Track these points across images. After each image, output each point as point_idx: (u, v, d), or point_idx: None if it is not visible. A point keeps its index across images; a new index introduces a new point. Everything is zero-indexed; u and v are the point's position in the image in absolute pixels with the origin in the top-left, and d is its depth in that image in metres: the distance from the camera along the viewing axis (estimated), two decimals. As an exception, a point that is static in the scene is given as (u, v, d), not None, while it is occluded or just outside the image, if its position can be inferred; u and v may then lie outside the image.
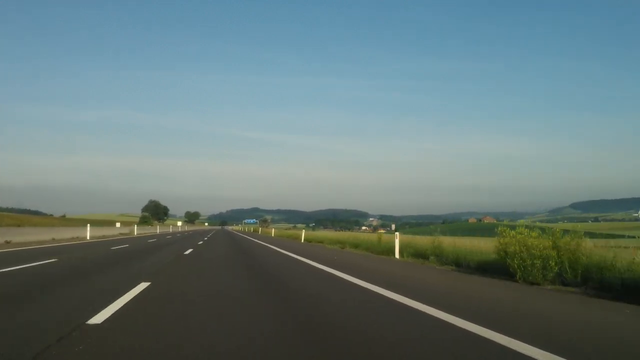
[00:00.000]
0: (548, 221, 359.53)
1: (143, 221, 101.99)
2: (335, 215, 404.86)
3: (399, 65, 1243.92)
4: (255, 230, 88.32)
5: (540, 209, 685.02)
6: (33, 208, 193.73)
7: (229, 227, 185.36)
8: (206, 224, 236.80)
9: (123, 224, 64.72)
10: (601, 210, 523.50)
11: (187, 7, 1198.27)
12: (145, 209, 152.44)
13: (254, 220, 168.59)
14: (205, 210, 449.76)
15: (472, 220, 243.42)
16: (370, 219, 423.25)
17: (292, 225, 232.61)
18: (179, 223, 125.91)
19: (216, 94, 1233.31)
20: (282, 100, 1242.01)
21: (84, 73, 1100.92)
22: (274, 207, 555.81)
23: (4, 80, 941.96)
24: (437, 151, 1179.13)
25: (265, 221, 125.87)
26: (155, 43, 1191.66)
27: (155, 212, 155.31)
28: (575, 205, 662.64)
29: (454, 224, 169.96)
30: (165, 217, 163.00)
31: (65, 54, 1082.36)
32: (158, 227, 69.63)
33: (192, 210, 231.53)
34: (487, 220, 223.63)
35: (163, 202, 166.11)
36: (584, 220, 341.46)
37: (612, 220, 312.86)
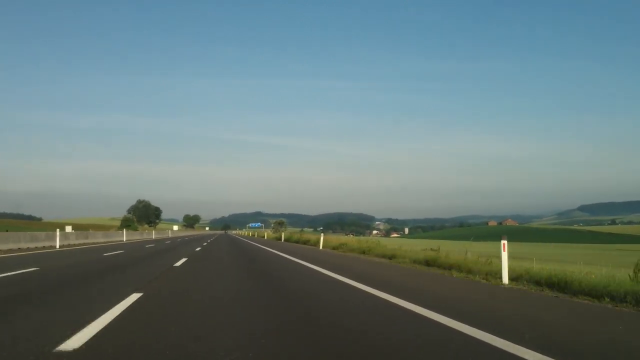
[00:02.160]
0: (561, 224, 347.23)
1: (125, 225, 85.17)
2: (341, 218, 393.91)
3: (401, 66, 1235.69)
4: (313, 241, 35.61)
5: (547, 212, 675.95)
6: (32, 214, 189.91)
7: (232, 232, 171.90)
8: (207, 228, 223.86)
9: (103, 227, 51.68)
10: (610, 213, 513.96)
11: (185, 11, 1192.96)
12: (132, 211, 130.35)
13: (259, 223, 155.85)
14: (207, 215, 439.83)
15: (492, 223, 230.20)
16: (377, 222, 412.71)
17: (300, 229, 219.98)
18: (175, 227, 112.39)
19: (217, 98, 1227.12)
20: (282, 102, 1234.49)
21: (82, 78, 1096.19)
22: (277, 211, 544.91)
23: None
24: (439, 153, 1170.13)
25: (280, 224, 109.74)
26: (154, 47, 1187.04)
27: (145, 214, 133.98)
28: (583, 208, 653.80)
29: (473, 228, 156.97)
30: (158, 220, 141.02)
31: (62, 60, 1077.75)
32: (152, 231, 55.06)
33: (192, 213, 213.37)
34: (509, 223, 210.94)
35: (163, 206, 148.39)
36: (601, 223, 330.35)
37: (630, 223, 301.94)
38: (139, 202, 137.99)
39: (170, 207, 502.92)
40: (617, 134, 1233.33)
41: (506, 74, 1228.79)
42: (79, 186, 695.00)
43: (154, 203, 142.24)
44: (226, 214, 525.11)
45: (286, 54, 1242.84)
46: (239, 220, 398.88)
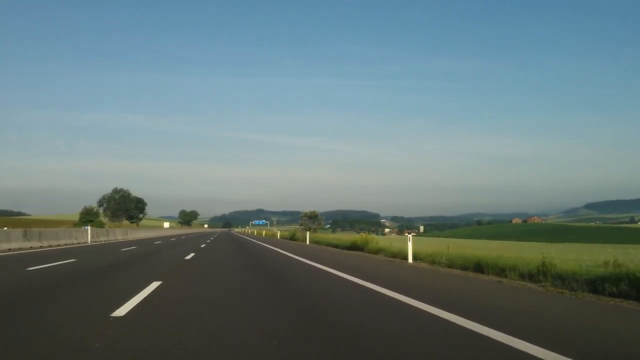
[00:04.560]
0: (569, 222, 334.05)
1: (87, 220, 62.60)
2: (345, 216, 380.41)
3: (402, 66, 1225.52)
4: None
5: (553, 210, 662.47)
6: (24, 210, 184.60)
7: (235, 230, 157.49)
8: (206, 225, 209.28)
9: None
10: (618, 210, 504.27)
11: (187, 11, 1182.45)
12: (106, 201, 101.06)
13: (264, 221, 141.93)
14: (208, 212, 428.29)
15: (516, 220, 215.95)
16: (383, 220, 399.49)
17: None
18: (166, 224, 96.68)
19: (219, 97, 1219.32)
20: (285, 101, 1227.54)
21: (83, 77, 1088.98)
22: (279, 209, 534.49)
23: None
24: (442, 152, 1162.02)
25: (312, 217, 79.22)
26: (156, 47, 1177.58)
27: (123, 207, 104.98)
28: (590, 206, 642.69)
29: (496, 226, 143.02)
30: (141, 215, 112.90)
31: (61, 58, 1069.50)
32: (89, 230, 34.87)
33: (190, 209, 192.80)
34: (535, 220, 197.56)
35: (163, 204, 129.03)
36: (618, 220, 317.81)
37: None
38: (115, 191, 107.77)
39: (170, 206, 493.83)
40: (624, 132, 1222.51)
41: (507, 73, 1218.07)
42: (77, 184, 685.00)
43: (155, 201, 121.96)
44: (227, 212, 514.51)
45: (289, 54, 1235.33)
46: (241, 217, 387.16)
